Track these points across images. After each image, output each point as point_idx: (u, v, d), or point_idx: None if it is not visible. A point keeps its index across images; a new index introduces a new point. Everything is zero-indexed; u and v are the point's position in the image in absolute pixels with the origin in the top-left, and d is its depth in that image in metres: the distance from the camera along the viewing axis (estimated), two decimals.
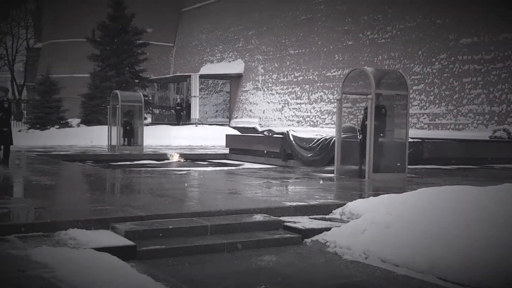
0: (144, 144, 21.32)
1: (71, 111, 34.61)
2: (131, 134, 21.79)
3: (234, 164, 17.73)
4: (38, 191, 9.29)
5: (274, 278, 5.27)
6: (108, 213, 6.86)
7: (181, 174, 13.48)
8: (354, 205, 7.58)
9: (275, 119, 35.67)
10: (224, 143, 21.08)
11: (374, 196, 8.08)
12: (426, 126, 26.76)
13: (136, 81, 34.63)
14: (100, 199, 8.44)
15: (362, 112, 12.28)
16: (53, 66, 42.18)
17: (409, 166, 12.35)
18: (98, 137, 23.62)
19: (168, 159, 18.81)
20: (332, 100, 31.51)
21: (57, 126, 30.49)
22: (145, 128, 22.83)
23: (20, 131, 29.01)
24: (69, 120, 32.79)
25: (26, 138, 25.07)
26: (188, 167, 16.14)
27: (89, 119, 31.71)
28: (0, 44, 52.29)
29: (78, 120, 32.91)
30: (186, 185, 10.89)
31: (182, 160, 18.68)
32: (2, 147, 13.88)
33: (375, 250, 5.94)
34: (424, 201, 6.88)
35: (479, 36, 25.48)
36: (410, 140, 13.17)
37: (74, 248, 5.39)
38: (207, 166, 17.27)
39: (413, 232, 6.06)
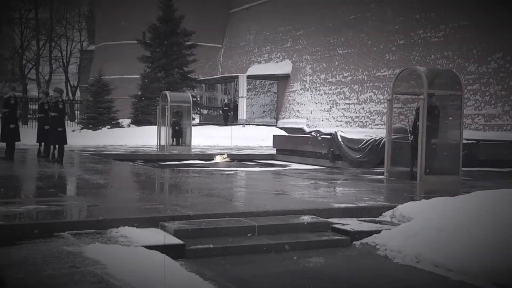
0: (192, 144, 21.57)
1: (121, 111, 35.37)
2: (179, 134, 22.08)
3: (281, 164, 17.71)
4: (91, 189, 9.51)
5: (322, 280, 5.24)
6: (157, 211, 6.96)
7: (228, 174, 13.56)
8: (405, 208, 7.45)
9: (323, 120, 35.39)
10: (271, 144, 21.07)
11: (426, 199, 7.89)
12: (481, 127, 25.95)
13: (185, 82, 35.03)
14: (149, 198, 8.57)
15: (414, 112, 12.06)
16: (105, 68, 43.15)
17: (463, 169, 12.06)
18: (148, 137, 24.01)
19: (215, 159, 18.95)
20: (382, 101, 31.03)
21: (109, 126, 31.20)
22: (193, 128, 23.09)
23: (73, 131, 29.83)
24: (120, 120, 33.52)
25: (79, 138, 25.76)
26: (235, 167, 16.22)
27: (139, 120, 32.32)
28: (55, 47, 53.57)
29: (128, 121, 33.60)
30: (233, 185, 10.95)
31: (229, 160, 18.78)
32: (56, 146, 14.32)
33: (427, 254, 5.83)
34: (479, 205, 6.70)
35: None
36: (464, 141, 12.85)
37: (125, 246, 5.49)
38: (254, 167, 17.31)
39: (467, 237, 5.92)
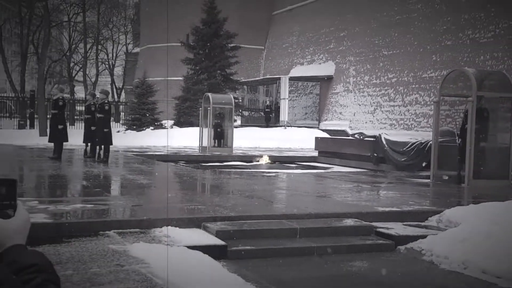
0: (234, 145, 21.66)
1: (165, 113, 35.81)
2: (221, 135, 22.22)
3: (323, 167, 17.58)
4: (135, 189, 9.69)
5: (365, 285, 5.18)
6: (200, 212, 7.05)
7: (269, 176, 13.57)
8: (452, 213, 7.33)
9: (366, 122, 35.03)
10: (313, 146, 20.97)
11: (474, 203, 7.77)
12: None
13: (227, 84, 35.25)
14: (192, 198, 8.68)
15: (462, 115, 11.83)
16: (149, 70, 43.85)
17: None
18: (190, 139, 24.25)
19: (257, 161, 18.98)
20: (428, 103, 30.50)
21: (152, 128, 31.64)
22: (235, 130, 23.19)
23: (118, 132, 30.38)
24: (163, 121, 33.98)
25: (124, 139, 26.23)
26: (277, 169, 16.21)
27: (182, 121, 32.70)
28: (101, 49, 54.63)
29: (171, 122, 34.02)
30: (274, 187, 10.95)
31: (270, 162, 18.78)
32: (102, 146, 14.60)
33: (475, 261, 5.72)
34: None
35: None
36: None
37: (168, 245, 5.55)
38: (295, 169, 17.25)
39: None
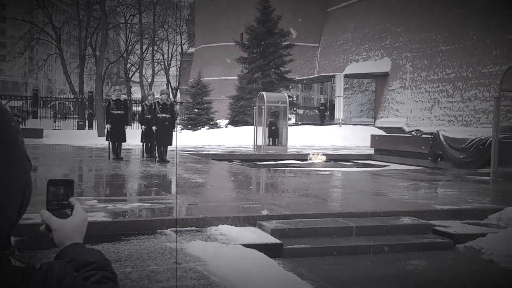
0: (288, 144, 21.67)
1: (219, 112, 36.23)
2: (275, 134, 22.26)
3: (379, 165, 17.40)
4: (191, 188, 9.82)
5: (423, 284, 5.12)
6: (255, 211, 7.09)
7: (324, 174, 13.52)
8: None
9: (423, 119, 34.33)
10: (368, 144, 20.75)
11: None
12: None
13: (281, 82, 35.26)
14: (247, 197, 8.73)
15: None
16: (204, 69, 44.34)
17: None
18: (245, 138, 24.42)
19: (311, 159, 18.93)
20: (488, 98, 29.65)
21: (207, 127, 31.98)
22: (289, 128, 23.18)
23: (174, 131, 30.83)
24: (218, 121, 34.32)
25: (180, 139, 26.65)
26: (332, 167, 16.13)
27: (236, 120, 32.91)
28: (157, 50, 55.45)
29: (226, 121, 34.30)
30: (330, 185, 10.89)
31: (325, 160, 18.70)
32: (161, 147, 14.71)
33: None
34: None
35: None
36: None
37: (224, 244, 5.64)
38: (351, 167, 17.13)
39: None
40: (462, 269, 5.70)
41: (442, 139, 15.13)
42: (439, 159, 15.30)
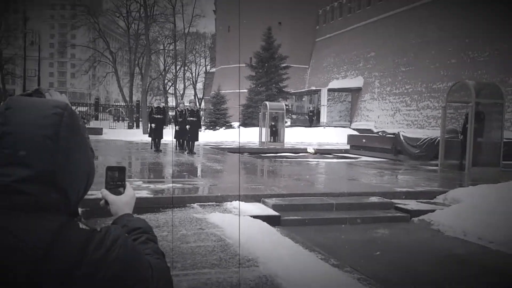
0: (285, 141, 21.61)
1: (233, 116, 36.16)
2: (275, 133, 22.20)
3: (353, 157, 17.30)
4: (212, 173, 9.86)
5: (386, 246, 5.12)
6: (260, 191, 7.09)
7: (312, 164, 13.48)
8: (455, 192, 7.14)
9: (387, 123, 34.19)
10: (345, 141, 20.65)
11: (472, 185, 7.51)
12: None
13: (280, 94, 35.20)
14: (254, 180, 8.74)
15: (463, 117, 11.37)
16: (222, 84, 44.36)
17: (503, 162, 11.25)
18: (252, 136, 24.40)
19: (302, 152, 18.86)
20: (437, 107, 29.50)
21: (224, 128, 31.96)
22: (286, 129, 23.12)
23: (200, 131, 30.88)
24: (232, 123, 34.29)
25: (203, 136, 26.69)
26: (317, 159, 16.07)
27: (246, 123, 32.87)
28: (187, 70, 55.35)
29: (238, 123, 34.25)
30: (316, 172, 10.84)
31: (313, 153, 18.62)
32: (190, 142, 14.76)
33: (473, 230, 5.59)
34: None
35: None
36: (505, 140, 11.90)
37: (236, 215, 5.65)
38: (332, 158, 17.06)
39: (507, 217, 5.60)
40: (416, 236, 5.68)
41: (401, 138, 15.02)
42: (399, 153, 15.20)
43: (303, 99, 41.67)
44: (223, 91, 41.98)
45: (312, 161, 14.31)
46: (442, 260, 4.72)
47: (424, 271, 4.32)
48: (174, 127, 16.04)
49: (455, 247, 5.18)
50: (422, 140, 14.30)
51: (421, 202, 7.06)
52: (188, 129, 14.33)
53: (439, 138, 12.18)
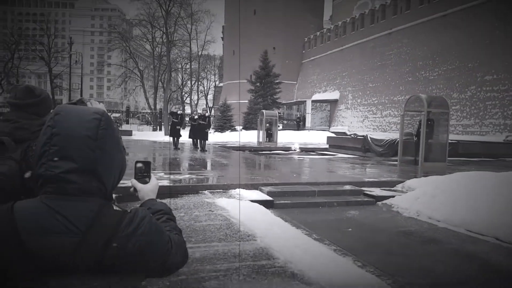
0: (278, 141, 21.55)
1: (237, 121, 36.06)
2: (270, 135, 22.13)
3: (331, 154, 17.29)
4: (219, 166, 9.84)
5: (356, 224, 5.14)
6: (257, 180, 7.06)
7: (299, 159, 13.47)
8: (411, 182, 7.15)
9: (358, 127, 34.23)
10: (325, 141, 20.62)
11: (424, 177, 7.52)
12: (460, 132, 24.18)
13: (274, 104, 35.17)
14: (253, 172, 8.72)
15: (417, 123, 11.39)
16: (228, 96, 44.27)
17: (448, 158, 11.30)
18: (252, 137, 24.33)
19: (292, 149, 18.83)
20: (397, 115, 29.61)
21: (230, 130, 31.90)
22: (278, 132, 23.08)
23: (210, 133, 30.74)
24: (236, 127, 34.21)
25: (213, 137, 26.63)
26: (303, 155, 16.05)
27: (247, 127, 32.83)
28: (200, 84, 55.54)
29: (241, 127, 34.17)
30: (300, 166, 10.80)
31: (299, 151, 18.58)
32: (201, 141, 14.70)
33: (424, 211, 5.63)
34: (458, 181, 6.37)
35: (498, 74, 22.59)
36: (450, 141, 11.95)
37: (238, 200, 5.66)
38: (314, 155, 17.04)
39: (450, 200, 5.64)
40: (380, 216, 5.69)
41: (369, 139, 15.01)
42: (367, 151, 15.20)
43: (292, 108, 41.68)
44: (229, 102, 41.85)
45: (298, 158, 14.29)
46: (399, 234, 4.74)
47: (384, 243, 4.34)
48: (190, 129, 15.99)
49: (410, 225, 5.21)
50: (385, 141, 14.31)
51: (384, 189, 7.07)
52: (200, 130, 14.37)
53: (398, 139, 12.20)
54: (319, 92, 41.40)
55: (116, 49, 39.46)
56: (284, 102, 39.04)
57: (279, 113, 30.84)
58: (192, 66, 47.84)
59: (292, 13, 44.69)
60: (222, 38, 54.33)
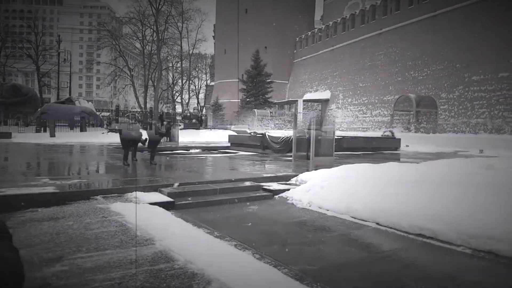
0: (180, 140, 20.53)
1: (229, 120, 36.47)
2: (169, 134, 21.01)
3: (233, 152, 15.38)
4: (115, 169, 8.17)
5: (256, 218, 5.25)
6: (157, 182, 6.59)
7: (201, 158, 12.00)
8: (303, 175, 7.42)
9: (348, 125, 34.46)
10: (227, 140, 18.94)
11: (315, 170, 7.82)
12: (345, 129, 24.78)
13: (266, 104, 35.46)
14: (152, 173, 7.77)
15: (308, 121, 12.00)
16: (220, 95, 44.64)
17: (335, 153, 11.92)
18: (219, 137, 23.72)
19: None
20: (386, 115, 29.74)
21: (222, 130, 31.72)
22: (180, 131, 22.23)
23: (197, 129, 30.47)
24: (228, 126, 34.20)
25: (205, 135, 25.01)
26: (205, 154, 14.44)
27: (238, 125, 33.09)
28: (191, 83, 55.11)
29: (232, 126, 34.14)
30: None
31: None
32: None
33: (315, 201, 5.90)
34: (344, 173, 6.79)
35: (485, 74, 22.66)
36: (336, 137, 12.81)
37: (136, 203, 5.37)
38: (216, 154, 14.87)
39: (337, 191, 5.97)
40: (277, 209, 5.85)
41: (267, 137, 14.74)
42: (266, 148, 14.73)
43: (284, 108, 41.94)
44: (220, 101, 42.29)
45: (201, 157, 12.61)
46: (294, 224, 4.89)
47: (281, 234, 4.44)
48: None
49: (303, 215, 5.37)
50: (281, 138, 14.20)
51: (281, 183, 7.18)
52: (191, 127, 13.74)
53: (292, 136, 12.41)
54: (311, 92, 41.53)
55: (105, 47, 39.73)
56: (275, 101, 39.31)
57: (270, 113, 31.13)
58: (183, 65, 47.91)
59: (284, 13, 44.61)
60: (214, 37, 54.04)
